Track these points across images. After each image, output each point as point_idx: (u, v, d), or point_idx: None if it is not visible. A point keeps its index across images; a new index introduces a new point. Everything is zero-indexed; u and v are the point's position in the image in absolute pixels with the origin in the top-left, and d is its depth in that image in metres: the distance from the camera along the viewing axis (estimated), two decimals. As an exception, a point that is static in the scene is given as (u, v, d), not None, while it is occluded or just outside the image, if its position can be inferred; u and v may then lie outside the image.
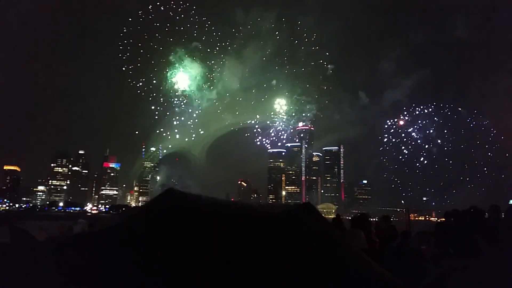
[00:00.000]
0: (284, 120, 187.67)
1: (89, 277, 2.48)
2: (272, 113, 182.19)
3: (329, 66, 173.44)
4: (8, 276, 2.59)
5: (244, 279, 2.26)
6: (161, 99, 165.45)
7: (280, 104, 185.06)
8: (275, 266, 2.29)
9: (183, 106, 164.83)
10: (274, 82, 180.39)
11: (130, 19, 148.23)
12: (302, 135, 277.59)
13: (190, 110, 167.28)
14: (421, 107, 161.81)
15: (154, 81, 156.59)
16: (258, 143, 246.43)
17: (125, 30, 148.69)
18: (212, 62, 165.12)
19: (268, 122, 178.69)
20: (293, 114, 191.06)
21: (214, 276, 2.28)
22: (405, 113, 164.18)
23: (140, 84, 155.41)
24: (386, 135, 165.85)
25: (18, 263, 2.75)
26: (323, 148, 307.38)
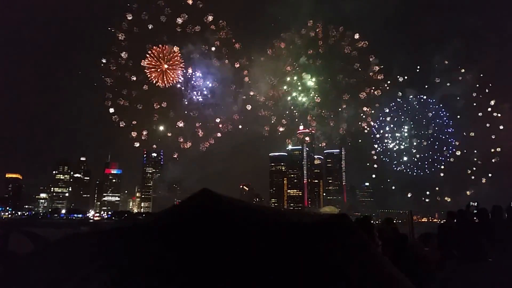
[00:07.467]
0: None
1: (116, 270, 2.35)
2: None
3: (376, 67, 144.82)
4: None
5: (272, 283, 2.23)
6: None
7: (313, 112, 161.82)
8: (304, 273, 2.25)
9: (195, 113, 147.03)
10: (310, 78, 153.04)
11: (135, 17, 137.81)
12: (303, 138, 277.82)
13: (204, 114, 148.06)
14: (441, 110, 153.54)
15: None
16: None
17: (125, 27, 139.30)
18: (238, 63, 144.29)
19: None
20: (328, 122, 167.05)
21: (243, 277, 2.25)
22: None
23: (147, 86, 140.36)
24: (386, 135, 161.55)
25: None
26: (325, 151, 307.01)
